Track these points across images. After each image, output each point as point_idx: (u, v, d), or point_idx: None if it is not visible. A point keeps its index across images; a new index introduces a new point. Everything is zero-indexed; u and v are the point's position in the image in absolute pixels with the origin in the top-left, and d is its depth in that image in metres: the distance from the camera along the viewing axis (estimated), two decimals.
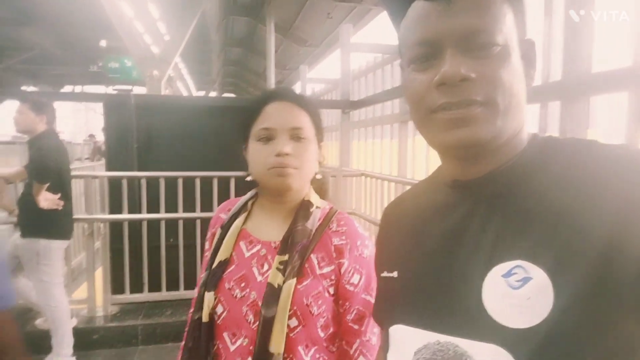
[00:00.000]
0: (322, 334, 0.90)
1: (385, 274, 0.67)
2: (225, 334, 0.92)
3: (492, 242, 0.52)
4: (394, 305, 0.64)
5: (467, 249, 0.55)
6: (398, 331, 0.61)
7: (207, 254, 1.03)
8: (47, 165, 2.66)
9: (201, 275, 1.00)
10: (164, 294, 3.53)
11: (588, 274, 0.44)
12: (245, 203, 1.03)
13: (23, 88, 20.20)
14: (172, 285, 3.56)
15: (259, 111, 0.96)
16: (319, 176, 1.02)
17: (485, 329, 0.49)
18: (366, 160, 7.31)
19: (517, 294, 0.48)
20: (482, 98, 0.52)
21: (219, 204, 3.59)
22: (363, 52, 6.05)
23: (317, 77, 10.53)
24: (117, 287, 3.48)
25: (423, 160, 4.81)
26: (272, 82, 9.52)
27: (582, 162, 0.52)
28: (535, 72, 0.58)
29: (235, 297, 0.92)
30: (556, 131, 2.45)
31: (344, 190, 4.16)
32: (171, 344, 3.22)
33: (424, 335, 0.56)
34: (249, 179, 1.00)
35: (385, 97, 4.27)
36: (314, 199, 1.00)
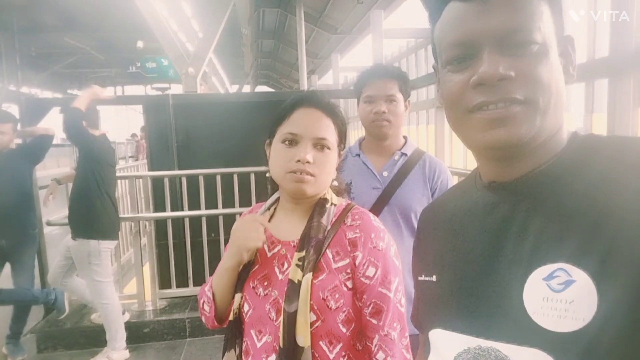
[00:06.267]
0: (344, 330, 0.91)
1: (423, 277, 0.67)
2: (252, 331, 0.96)
3: (533, 244, 0.51)
4: (433, 310, 0.63)
5: (507, 252, 0.54)
6: (438, 335, 0.61)
7: None
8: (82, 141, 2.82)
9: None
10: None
11: (634, 277, 0.43)
12: (268, 207, 1.07)
13: (69, 92, 21.19)
14: None
15: (287, 114, 0.99)
16: (335, 183, 1.05)
17: (527, 333, 0.48)
18: None
19: (560, 297, 0.47)
20: (522, 96, 0.51)
21: (257, 198, 3.62)
22: (395, 38, 5.92)
23: (349, 65, 10.43)
24: (164, 282, 3.63)
25: (461, 146, 4.68)
26: (304, 72, 9.52)
27: (625, 161, 0.50)
28: (575, 69, 0.56)
29: (259, 295, 0.96)
30: (604, 111, 2.32)
31: None
32: (217, 336, 3.33)
33: (464, 339, 0.55)
34: (268, 175, 1.03)
35: (420, 84, 4.17)
36: (330, 196, 1.02)
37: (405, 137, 1.66)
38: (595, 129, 2.50)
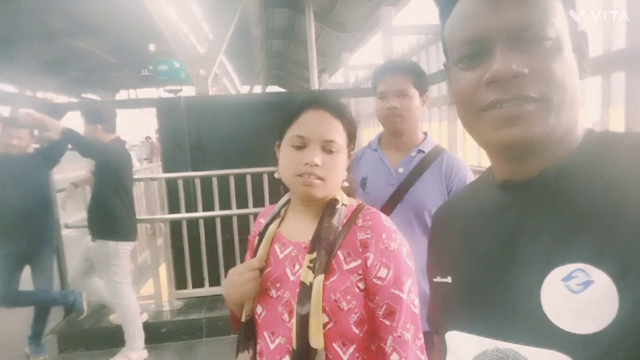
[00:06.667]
0: (357, 331, 0.91)
1: (438, 279, 0.66)
2: (265, 333, 0.96)
3: (549, 244, 0.50)
4: (449, 312, 0.63)
5: (523, 252, 0.53)
6: (454, 338, 0.60)
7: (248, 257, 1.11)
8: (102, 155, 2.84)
9: None
10: (223, 288, 3.65)
11: None
12: (280, 209, 1.07)
13: (83, 96, 21.50)
14: None
15: (295, 116, 0.98)
16: (346, 184, 1.04)
17: (546, 335, 0.47)
18: None
19: (579, 298, 0.46)
20: (536, 94, 0.50)
21: (270, 198, 3.60)
22: (405, 35, 5.87)
23: (359, 63, 10.40)
24: (180, 282, 3.67)
25: (474, 143, 4.62)
26: (314, 71, 9.51)
27: None
28: (589, 65, 0.55)
29: (272, 297, 0.96)
30: (621, 104, 2.27)
31: None
32: (233, 336, 3.33)
33: (481, 342, 0.54)
34: (277, 175, 1.03)
35: (432, 81, 4.12)
36: (341, 196, 1.01)
37: (425, 133, 1.64)
38: (612, 123, 2.46)
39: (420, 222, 1.51)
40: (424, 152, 1.57)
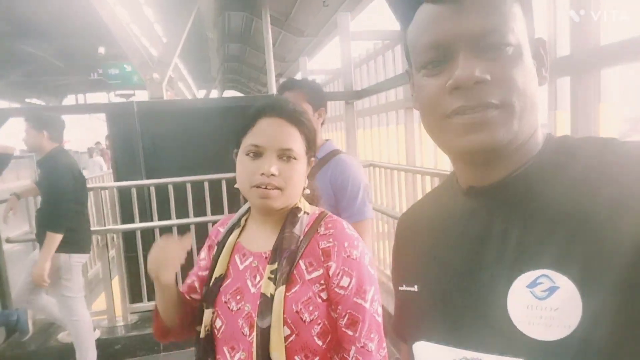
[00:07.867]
0: (320, 343, 0.89)
1: (404, 287, 0.65)
2: (225, 348, 0.93)
3: (514, 251, 0.50)
4: (416, 321, 0.62)
5: (489, 260, 0.52)
6: (422, 348, 0.59)
7: (202, 263, 1.06)
8: (61, 210, 2.66)
9: (187, 280, 1.05)
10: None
11: (617, 279, 0.42)
12: (239, 219, 1.04)
13: (27, 101, 20.35)
14: None
15: (251, 125, 0.95)
16: (307, 191, 1.02)
17: (513, 343, 0.47)
18: (373, 149, 7.28)
19: (544, 304, 0.46)
20: (498, 100, 0.50)
21: (229, 206, 3.51)
22: (363, 40, 5.96)
23: (317, 67, 10.46)
24: (134, 295, 3.51)
25: (431, 145, 4.75)
26: (272, 76, 9.46)
27: (602, 163, 0.49)
28: (547, 71, 0.56)
29: (232, 310, 0.93)
30: (567, 108, 2.39)
31: None
32: (192, 349, 3.24)
33: (449, 352, 0.54)
34: (237, 186, 1.00)
35: (389, 85, 4.19)
36: (303, 204, 0.99)
37: (326, 140, 1.73)
38: (559, 127, 2.58)
39: None
40: (316, 157, 1.65)
